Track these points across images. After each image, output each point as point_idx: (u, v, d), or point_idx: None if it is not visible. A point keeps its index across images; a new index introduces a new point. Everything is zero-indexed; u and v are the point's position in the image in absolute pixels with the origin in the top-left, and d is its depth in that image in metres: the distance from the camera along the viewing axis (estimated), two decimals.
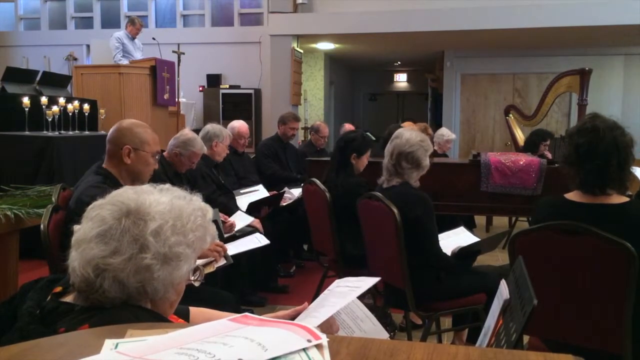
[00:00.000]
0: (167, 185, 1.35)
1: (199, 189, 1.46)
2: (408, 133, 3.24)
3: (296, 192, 5.07)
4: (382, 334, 1.59)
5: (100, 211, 1.26)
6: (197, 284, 1.40)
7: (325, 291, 1.62)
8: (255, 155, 6.17)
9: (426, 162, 3.21)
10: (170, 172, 3.94)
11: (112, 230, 1.23)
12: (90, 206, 1.29)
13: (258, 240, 3.79)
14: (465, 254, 3.22)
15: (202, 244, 1.35)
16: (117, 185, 2.58)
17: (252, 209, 4.69)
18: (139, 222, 1.24)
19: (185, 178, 4.16)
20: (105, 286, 1.21)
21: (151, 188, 1.33)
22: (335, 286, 1.63)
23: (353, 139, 4.01)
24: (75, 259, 1.24)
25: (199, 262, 2.48)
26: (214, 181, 4.53)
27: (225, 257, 2.98)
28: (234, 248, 3.48)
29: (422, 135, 3.31)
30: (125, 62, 8.00)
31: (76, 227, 1.29)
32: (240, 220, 4.41)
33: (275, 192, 5.19)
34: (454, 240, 3.39)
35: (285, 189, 5.18)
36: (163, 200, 1.29)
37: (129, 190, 1.30)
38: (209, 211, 1.38)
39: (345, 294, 1.53)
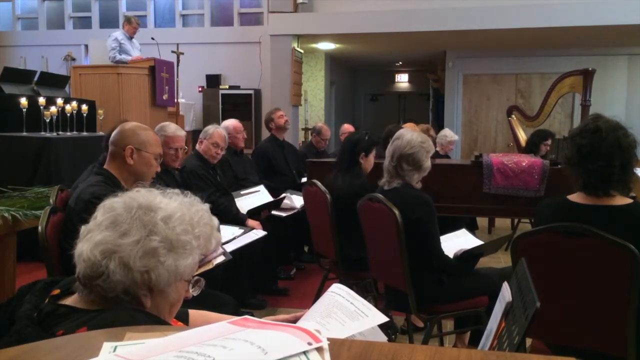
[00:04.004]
0: (177, 191, 1.40)
1: (197, 190, 1.50)
2: (409, 134, 3.22)
3: (297, 200, 5.02)
4: (380, 335, 1.58)
5: (112, 204, 1.31)
6: (195, 293, 1.41)
7: (327, 294, 1.60)
8: (254, 157, 6.14)
9: (427, 163, 3.20)
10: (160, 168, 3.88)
11: (122, 217, 1.28)
12: (102, 203, 1.34)
13: (255, 234, 3.77)
14: (468, 256, 3.20)
15: (208, 244, 1.38)
16: (117, 185, 2.59)
17: (253, 212, 4.68)
18: (149, 212, 1.29)
19: (179, 177, 4.13)
20: (111, 267, 1.23)
21: (160, 192, 1.38)
22: (337, 291, 1.60)
23: (359, 139, 4.02)
24: (84, 245, 1.28)
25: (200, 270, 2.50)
26: (213, 182, 4.52)
27: (224, 253, 2.98)
28: (232, 245, 3.46)
29: (423, 137, 3.30)
30: (124, 57, 7.95)
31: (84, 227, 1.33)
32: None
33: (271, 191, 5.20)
34: (455, 242, 3.38)
35: (287, 194, 5.13)
36: (173, 203, 1.35)
37: (140, 191, 1.36)
38: (216, 219, 1.43)
39: (354, 316, 1.52)
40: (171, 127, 3.94)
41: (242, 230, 3.96)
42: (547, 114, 7.40)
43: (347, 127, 7.12)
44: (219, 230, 1.47)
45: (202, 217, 1.36)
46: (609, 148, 2.27)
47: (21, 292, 1.37)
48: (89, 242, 1.27)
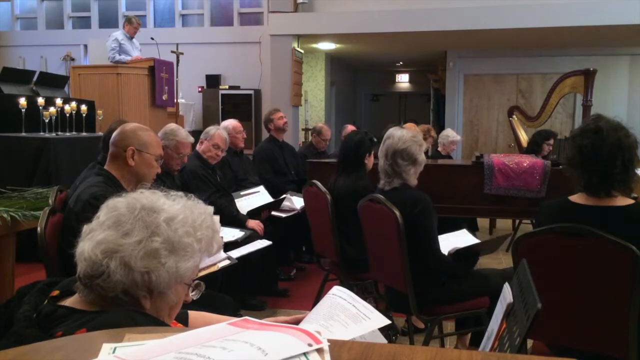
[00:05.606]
0: (180, 193, 1.40)
1: (196, 191, 1.50)
2: (399, 132, 3.26)
3: (297, 201, 5.01)
4: (380, 339, 1.58)
5: (115, 204, 1.32)
6: (195, 297, 1.41)
7: (329, 297, 1.59)
8: (254, 159, 6.13)
9: (422, 157, 3.22)
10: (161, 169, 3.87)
11: (125, 217, 1.28)
12: (106, 202, 1.34)
13: (260, 243, 3.76)
14: (463, 255, 3.19)
15: (209, 247, 1.38)
16: (117, 186, 2.60)
17: (252, 213, 4.67)
18: (152, 213, 1.29)
19: (179, 179, 4.12)
20: (112, 267, 1.23)
21: (164, 194, 1.38)
22: (338, 293, 1.60)
23: (362, 140, 4.00)
24: (85, 244, 1.28)
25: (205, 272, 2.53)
26: (213, 183, 4.51)
27: (229, 257, 2.97)
28: (237, 252, 3.45)
29: (414, 132, 3.35)
30: (124, 57, 7.94)
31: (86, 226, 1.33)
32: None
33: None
34: (454, 241, 3.37)
35: (287, 195, 5.13)
36: (176, 205, 1.35)
37: (144, 192, 1.37)
38: (218, 223, 1.44)
39: (356, 319, 1.51)
40: (182, 133, 3.95)
41: (242, 232, 3.96)
42: (549, 115, 7.41)
43: (350, 128, 7.03)
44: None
45: (204, 220, 1.36)
46: (610, 148, 2.27)
47: (20, 293, 1.37)
48: (91, 241, 1.27)
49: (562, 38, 9.85)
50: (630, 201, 2.33)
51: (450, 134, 6.97)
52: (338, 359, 0.96)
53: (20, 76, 7.48)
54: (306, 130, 10.98)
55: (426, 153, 5.04)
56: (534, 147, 6.52)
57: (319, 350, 0.93)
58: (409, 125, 6.29)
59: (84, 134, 6.12)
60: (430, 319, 3.14)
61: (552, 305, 2.13)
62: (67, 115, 5.80)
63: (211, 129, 4.62)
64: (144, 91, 7.67)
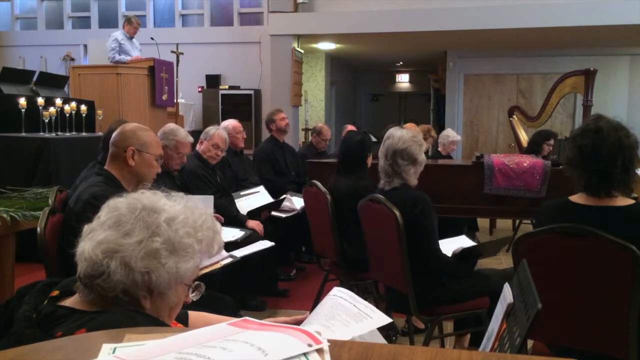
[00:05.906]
0: (181, 194, 1.41)
1: (197, 191, 1.51)
2: (399, 132, 3.26)
3: (297, 201, 5.00)
4: (380, 339, 1.58)
5: (116, 204, 1.32)
6: (195, 298, 1.41)
7: (329, 297, 1.59)
8: (254, 159, 6.13)
9: (422, 157, 3.21)
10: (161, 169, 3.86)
11: (125, 217, 1.28)
12: (107, 202, 1.35)
13: (262, 244, 3.77)
14: (467, 255, 3.19)
15: (210, 248, 1.38)
16: (118, 186, 2.60)
17: (252, 213, 4.67)
18: (152, 214, 1.29)
19: (179, 179, 4.11)
20: (112, 267, 1.24)
21: (164, 195, 1.39)
22: (338, 294, 1.60)
23: (364, 140, 4.00)
24: (86, 244, 1.28)
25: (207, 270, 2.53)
26: (213, 183, 4.51)
27: (231, 255, 2.98)
28: (239, 252, 3.45)
29: (414, 132, 3.35)
30: (124, 57, 7.92)
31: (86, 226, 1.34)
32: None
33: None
34: (455, 245, 3.36)
35: (287, 195, 5.12)
36: (177, 205, 1.35)
37: (145, 193, 1.37)
38: (219, 224, 1.44)
39: (358, 318, 1.51)
40: (182, 132, 3.96)
41: (242, 232, 3.95)
42: (549, 115, 7.41)
43: (350, 128, 7.02)
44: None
45: (205, 221, 1.37)
46: (610, 148, 2.26)
47: (20, 293, 1.37)
48: (91, 241, 1.27)
49: (562, 38, 9.85)
50: (631, 201, 2.33)
51: (450, 133, 6.96)
52: (338, 359, 0.96)
53: (20, 76, 7.48)
54: (306, 130, 10.97)
55: (426, 153, 5.04)
56: (534, 147, 6.52)
57: (319, 351, 0.93)
58: (409, 125, 6.28)
59: (84, 134, 6.12)
60: (430, 319, 3.13)
61: (552, 305, 2.12)
62: (67, 115, 5.80)
63: (211, 129, 4.62)
64: (144, 91, 7.67)
